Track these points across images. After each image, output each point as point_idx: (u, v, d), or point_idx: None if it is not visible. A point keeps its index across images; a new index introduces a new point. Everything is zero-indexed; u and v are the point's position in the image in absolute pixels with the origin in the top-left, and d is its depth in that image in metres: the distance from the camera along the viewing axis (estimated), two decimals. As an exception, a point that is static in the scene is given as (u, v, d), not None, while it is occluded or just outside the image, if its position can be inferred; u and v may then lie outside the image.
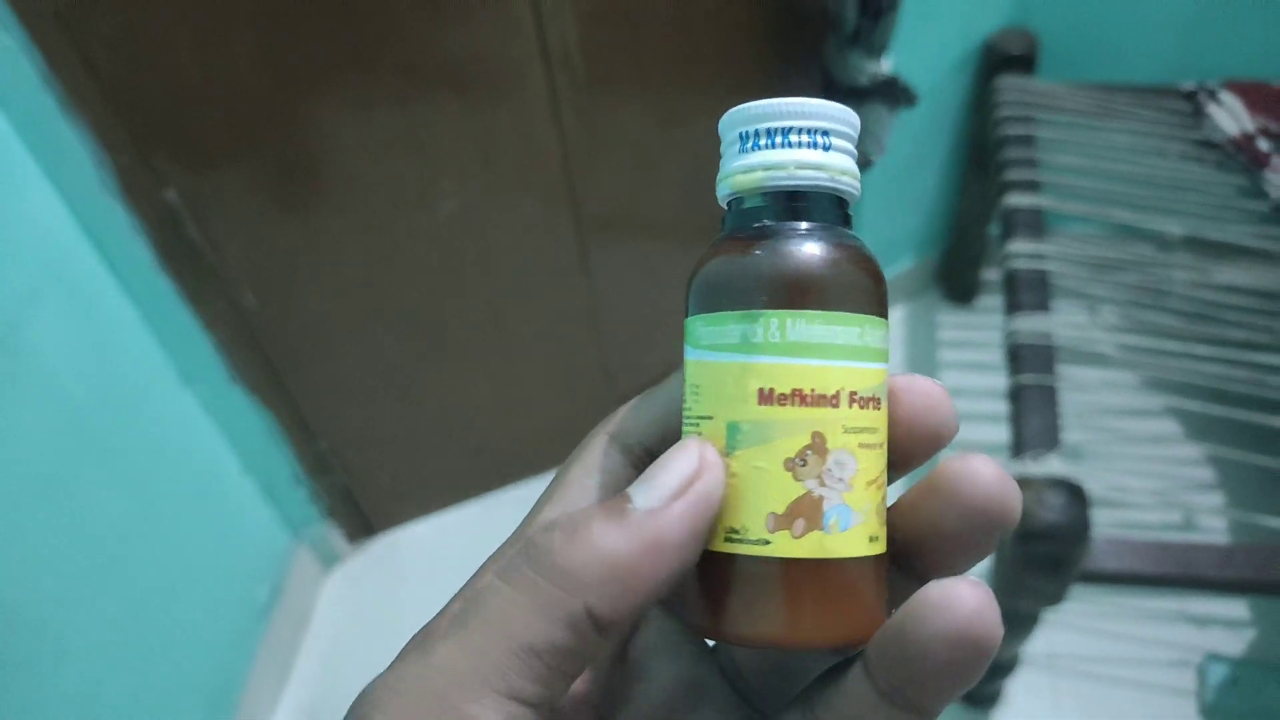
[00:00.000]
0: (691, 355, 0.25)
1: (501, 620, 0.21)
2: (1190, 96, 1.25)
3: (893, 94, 1.12)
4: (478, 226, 1.11)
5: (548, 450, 1.42)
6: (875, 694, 0.21)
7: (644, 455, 0.26)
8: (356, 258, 1.07)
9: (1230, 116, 1.20)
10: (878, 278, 0.24)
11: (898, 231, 1.58)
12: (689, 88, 1.13)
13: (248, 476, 1.17)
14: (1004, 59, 1.30)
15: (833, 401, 0.23)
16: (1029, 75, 1.31)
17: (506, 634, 0.21)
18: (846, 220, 0.25)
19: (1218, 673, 1.09)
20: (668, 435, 0.26)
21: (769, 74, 1.20)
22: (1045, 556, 0.84)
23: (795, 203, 0.25)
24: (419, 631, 0.22)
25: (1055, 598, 0.89)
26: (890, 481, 0.25)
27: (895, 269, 1.63)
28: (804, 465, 0.23)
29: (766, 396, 0.23)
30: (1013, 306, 1.03)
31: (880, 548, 0.24)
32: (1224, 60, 1.28)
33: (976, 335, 1.59)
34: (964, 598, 0.20)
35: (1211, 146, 1.19)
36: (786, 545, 0.23)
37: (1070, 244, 1.11)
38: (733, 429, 0.23)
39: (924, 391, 0.24)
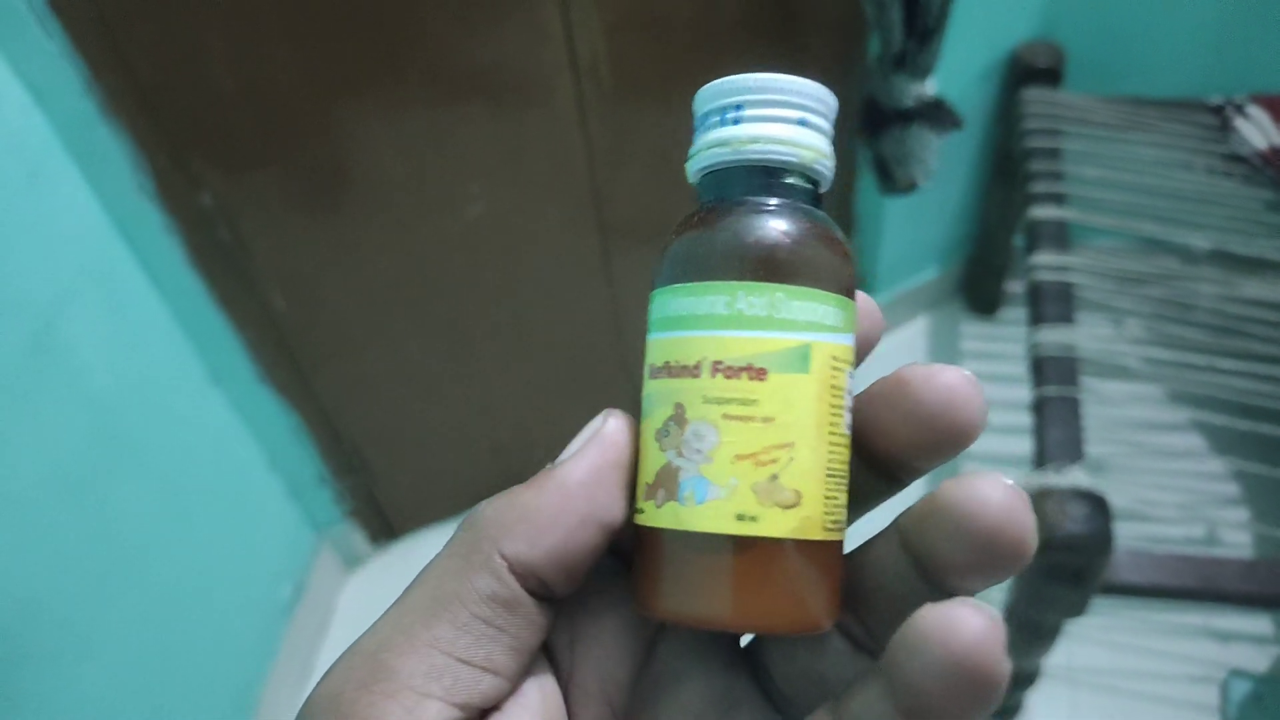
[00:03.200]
0: None
1: (430, 576, 0.22)
2: (1217, 110, 1.24)
3: (938, 117, 1.12)
4: (503, 231, 1.12)
5: (569, 455, 1.42)
6: (895, 713, 0.19)
7: None
8: (383, 260, 1.09)
9: (1258, 130, 1.19)
10: (759, 242, 0.23)
11: (921, 241, 1.58)
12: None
13: (273, 476, 1.19)
14: (1030, 71, 1.30)
15: (693, 372, 0.23)
16: (1055, 87, 1.31)
17: (433, 586, 0.22)
18: (771, 186, 0.24)
19: (1240, 689, 1.08)
20: None
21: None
22: (1067, 568, 0.84)
23: (709, 183, 0.25)
24: None
25: (1077, 609, 0.89)
26: (916, 477, 0.24)
27: (919, 279, 1.62)
28: (666, 436, 0.23)
29: (653, 371, 0.24)
30: (1037, 318, 1.03)
31: (768, 530, 0.22)
32: (1252, 74, 1.28)
33: (999, 347, 1.58)
34: (961, 628, 0.17)
35: (1238, 160, 1.19)
36: (651, 514, 0.23)
37: (1095, 257, 1.10)
38: (643, 401, 0.25)
39: (945, 384, 0.22)
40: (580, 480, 0.22)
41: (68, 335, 0.84)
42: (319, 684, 0.21)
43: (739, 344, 0.22)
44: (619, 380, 1.40)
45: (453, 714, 0.21)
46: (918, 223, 1.51)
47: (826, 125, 0.25)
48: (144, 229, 0.92)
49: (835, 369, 0.23)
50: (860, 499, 0.25)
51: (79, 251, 0.87)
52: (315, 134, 0.96)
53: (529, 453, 1.42)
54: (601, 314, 1.29)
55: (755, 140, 0.24)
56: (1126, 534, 0.88)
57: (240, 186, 0.96)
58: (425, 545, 1.40)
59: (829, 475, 0.23)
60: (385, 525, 1.40)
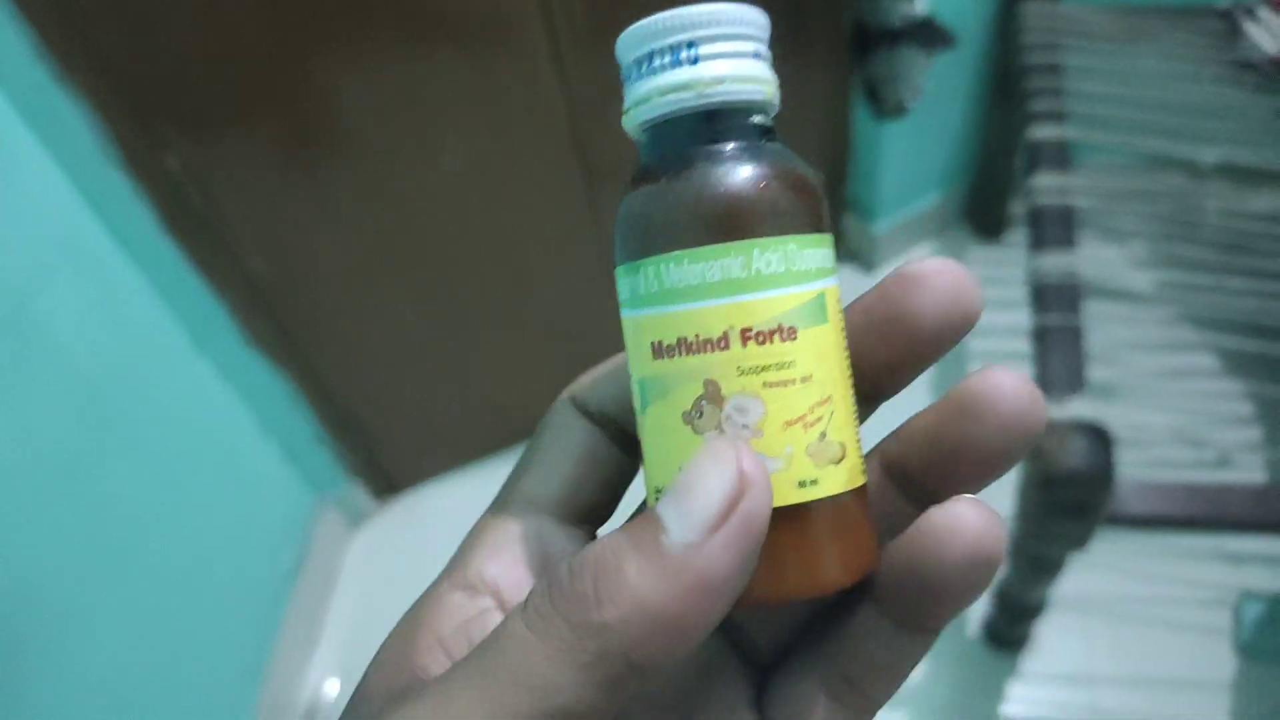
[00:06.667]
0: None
1: (531, 677, 0.18)
2: (1226, 15, 1.19)
3: (928, 36, 1.07)
4: (485, 180, 1.09)
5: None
6: (890, 624, 0.22)
7: (604, 420, 0.25)
8: (363, 218, 1.06)
9: (1269, 34, 1.14)
10: (767, 192, 0.21)
11: (923, 166, 1.53)
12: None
13: (268, 440, 1.18)
14: (1028, -17, 1.25)
15: (720, 344, 0.21)
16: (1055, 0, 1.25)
17: (540, 696, 0.18)
18: (744, 130, 0.22)
19: (1253, 610, 1.07)
20: (620, 398, 0.25)
21: (788, 15, 1.16)
22: (1069, 502, 0.82)
23: (671, 133, 0.23)
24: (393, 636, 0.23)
25: (1080, 543, 0.87)
26: (917, 374, 0.24)
27: (921, 205, 1.58)
28: (700, 417, 0.21)
29: (658, 350, 0.22)
30: (1037, 243, 1.00)
31: (829, 489, 0.21)
32: (1263, -26, 1.22)
33: (1006, 271, 1.54)
34: (970, 520, 0.20)
35: (1249, 67, 1.14)
36: None
37: (1098, 176, 1.06)
38: (641, 386, 0.22)
39: (947, 281, 0.23)
40: (724, 578, 0.18)
41: (43, 313, 0.83)
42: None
43: (765, 305, 0.21)
44: (612, 327, 1.38)
45: None
46: (918, 147, 1.47)
47: (768, 53, 0.23)
48: (112, 197, 0.90)
49: (838, 311, 0.23)
50: None
51: (47, 225, 0.85)
52: (284, 91, 0.93)
53: (526, 404, 1.40)
54: (591, 258, 1.27)
55: (720, 80, 0.22)
56: (1135, 459, 0.86)
57: (208, 148, 0.93)
58: (430, 499, 1.40)
59: (854, 416, 0.23)
60: (387, 481, 1.40)
